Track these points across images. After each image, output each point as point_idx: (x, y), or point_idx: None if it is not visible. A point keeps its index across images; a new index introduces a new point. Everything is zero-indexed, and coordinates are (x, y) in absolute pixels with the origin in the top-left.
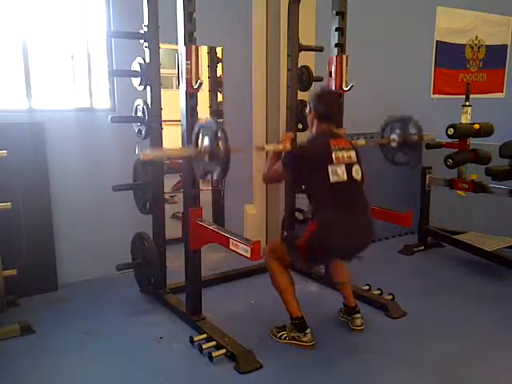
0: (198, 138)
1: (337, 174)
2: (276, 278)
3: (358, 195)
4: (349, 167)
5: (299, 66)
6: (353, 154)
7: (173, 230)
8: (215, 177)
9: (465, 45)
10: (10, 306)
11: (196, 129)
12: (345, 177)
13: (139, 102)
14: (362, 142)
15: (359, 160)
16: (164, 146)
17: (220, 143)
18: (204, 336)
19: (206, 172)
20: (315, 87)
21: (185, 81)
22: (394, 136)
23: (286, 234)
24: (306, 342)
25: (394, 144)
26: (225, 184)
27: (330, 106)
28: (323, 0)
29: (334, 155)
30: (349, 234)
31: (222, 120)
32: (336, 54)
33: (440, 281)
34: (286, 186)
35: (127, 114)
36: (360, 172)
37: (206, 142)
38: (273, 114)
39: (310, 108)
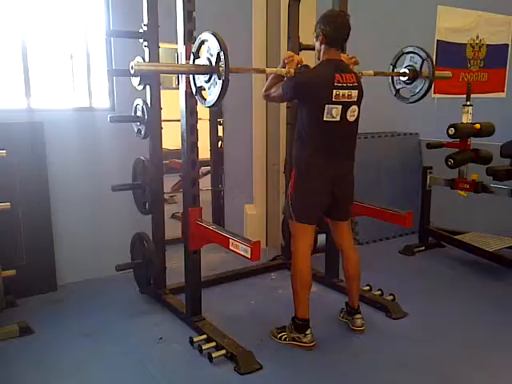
0: (198, 52)
1: (331, 113)
2: (298, 274)
3: (346, 137)
4: (345, 107)
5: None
6: (354, 93)
7: (173, 230)
8: (213, 97)
9: (466, 44)
10: (9, 307)
11: (197, 43)
12: (338, 117)
13: (139, 101)
14: (370, 72)
15: (360, 98)
16: (164, 145)
17: (221, 61)
18: (204, 337)
19: (201, 90)
20: None
21: (184, 80)
22: (405, 70)
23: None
24: (306, 342)
25: (404, 78)
26: (225, 184)
27: (341, 29)
28: None
29: (334, 93)
30: (327, 172)
31: (221, 120)
32: None
33: (441, 281)
34: (285, 186)
35: (127, 114)
36: (356, 113)
37: (206, 57)
38: (273, 113)
39: (316, 32)
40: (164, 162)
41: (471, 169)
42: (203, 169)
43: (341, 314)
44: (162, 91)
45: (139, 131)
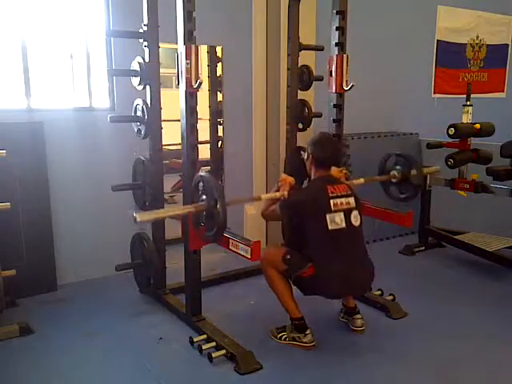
0: (195, 192)
1: (335, 221)
2: (273, 281)
3: (356, 242)
4: (347, 213)
5: (299, 65)
6: (351, 200)
7: (173, 230)
8: (212, 233)
9: (466, 44)
10: (9, 307)
11: (193, 183)
12: (343, 224)
13: (139, 101)
14: (360, 180)
15: (358, 205)
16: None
17: (217, 205)
18: (204, 337)
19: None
20: (315, 87)
21: (184, 80)
22: (394, 172)
23: (289, 256)
24: (306, 342)
25: (394, 180)
26: (224, 183)
27: (328, 152)
28: None
29: (331, 203)
30: (344, 283)
31: (221, 120)
32: (336, 53)
33: (441, 281)
34: None
35: (127, 114)
36: (359, 218)
37: (204, 200)
38: (273, 113)
39: (307, 154)
40: (164, 161)
41: (471, 169)
42: (203, 169)
43: (341, 314)
44: (162, 91)
45: (139, 131)
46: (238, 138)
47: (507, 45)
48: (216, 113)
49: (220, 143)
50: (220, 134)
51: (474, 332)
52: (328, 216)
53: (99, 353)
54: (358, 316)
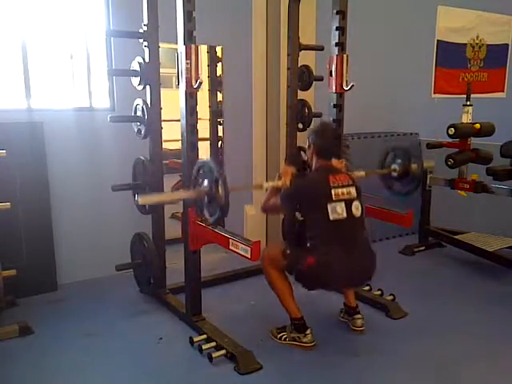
0: (197, 178)
1: (336, 211)
2: (273, 281)
3: (357, 232)
4: (348, 204)
5: (299, 65)
6: (352, 189)
7: (172, 230)
8: (215, 217)
9: (466, 44)
10: (9, 307)
11: (195, 169)
12: (344, 214)
13: (139, 101)
14: (361, 173)
15: (359, 195)
16: (164, 145)
17: (219, 187)
18: (204, 337)
19: (206, 211)
20: (315, 87)
21: (184, 80)
22: (394, 166)
23: (288, 251)
24: (306, 342)
25: (394, 174)
26: None
27: (329, 142)
28: None
29: (333, 192)
30: (346, 272)
31: (221, 120)
32: (336, 53)
33: (441, 281)
34: None
35: (127, 114)
36: (360, 208)
37: (205, 184)
38: (273, 113)
39: (308, 143)
40: (164, 162)
41: (471, 169)
42: None
43: (341, 314)
44: (162, 91)
45: (139, 131)
46: (238, 138)
47: (507, 45)
48: (216, 113)
49: (220, 143)
50: (220, 133)
51: (473, 332)
52: (329, 206)
53: (99, 353)
54: (359, 316)
